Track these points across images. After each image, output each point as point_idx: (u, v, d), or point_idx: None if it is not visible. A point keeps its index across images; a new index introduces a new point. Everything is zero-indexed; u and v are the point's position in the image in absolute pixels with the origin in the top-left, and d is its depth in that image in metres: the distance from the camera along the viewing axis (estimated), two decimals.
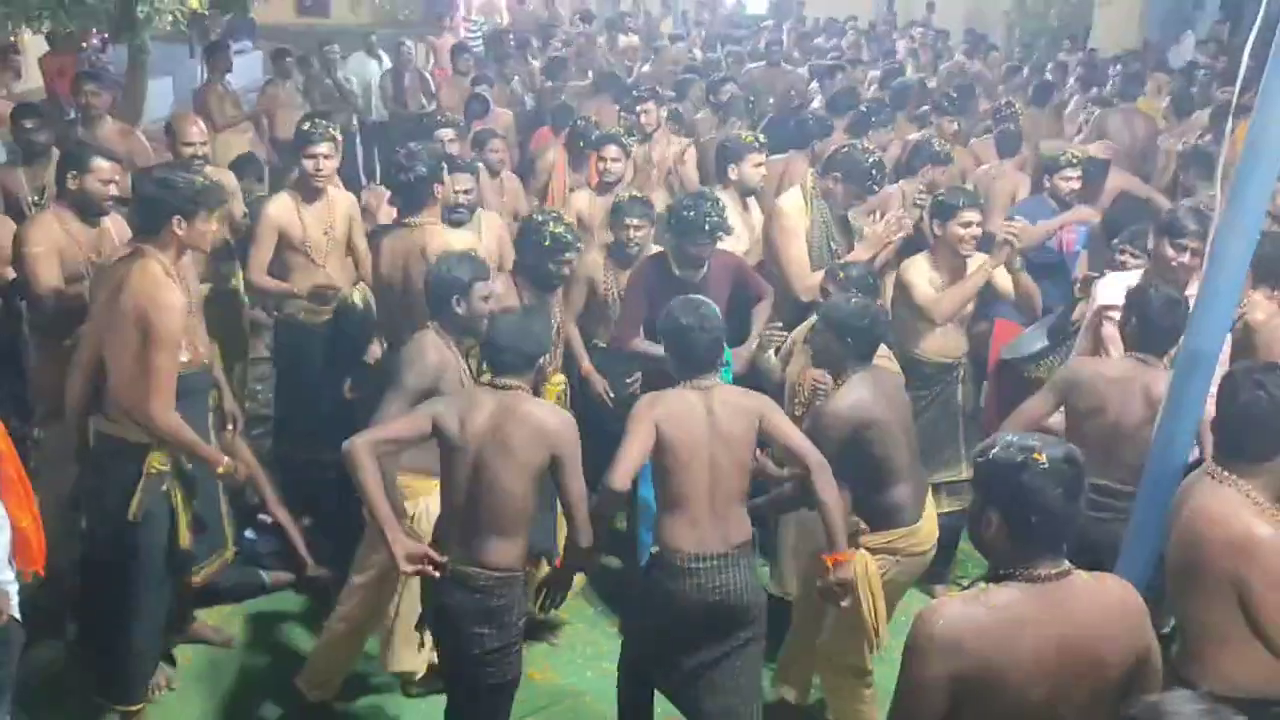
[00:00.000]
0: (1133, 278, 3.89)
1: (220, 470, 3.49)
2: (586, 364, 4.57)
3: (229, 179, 5.37)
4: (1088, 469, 2.50)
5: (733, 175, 5.04)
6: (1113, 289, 3.96)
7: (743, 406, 3.16)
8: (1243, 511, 2.54)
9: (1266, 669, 2.53)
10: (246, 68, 11.63)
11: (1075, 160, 5.34)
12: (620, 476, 3.02)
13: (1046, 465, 2.10)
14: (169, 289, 3.28)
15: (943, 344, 4.43)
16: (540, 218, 4.24)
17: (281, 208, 4.64)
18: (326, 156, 4.62)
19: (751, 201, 5.17)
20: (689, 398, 3.13)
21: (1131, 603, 2.21)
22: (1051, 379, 3.73)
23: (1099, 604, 2.14)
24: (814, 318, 3.87)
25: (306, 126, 4.74)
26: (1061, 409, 3.56)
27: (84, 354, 3.48)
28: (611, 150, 5.36)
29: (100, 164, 3.91)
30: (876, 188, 4.84)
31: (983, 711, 2.08)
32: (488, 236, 4.72)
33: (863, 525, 3.43)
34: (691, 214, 4.13)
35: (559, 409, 3.32)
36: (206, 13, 7.53)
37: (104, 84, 6.44)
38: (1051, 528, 2.12)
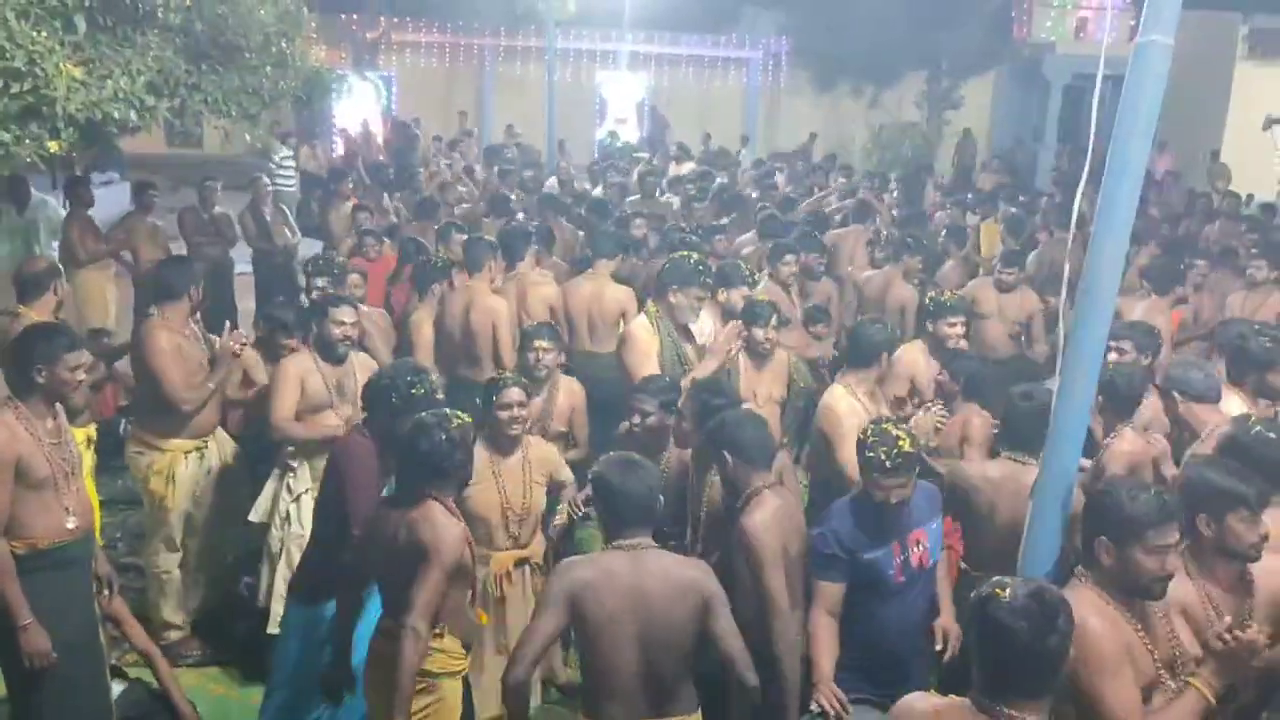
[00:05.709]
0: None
1: None
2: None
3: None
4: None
5: (672, 299, 5.02)
6: None
7: None
8: None
9: None
10: (113, 199, 11.24)
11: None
12: None
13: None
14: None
15: None
16: (431, 419, 3.41)
17: None
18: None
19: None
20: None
21: None
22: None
23: None
24: None
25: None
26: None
27: None
28: None
29: None
30: (709, 280, 5.09)
31: None
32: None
33: None
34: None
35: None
36: (71, 156, 7.26)
37: None
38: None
